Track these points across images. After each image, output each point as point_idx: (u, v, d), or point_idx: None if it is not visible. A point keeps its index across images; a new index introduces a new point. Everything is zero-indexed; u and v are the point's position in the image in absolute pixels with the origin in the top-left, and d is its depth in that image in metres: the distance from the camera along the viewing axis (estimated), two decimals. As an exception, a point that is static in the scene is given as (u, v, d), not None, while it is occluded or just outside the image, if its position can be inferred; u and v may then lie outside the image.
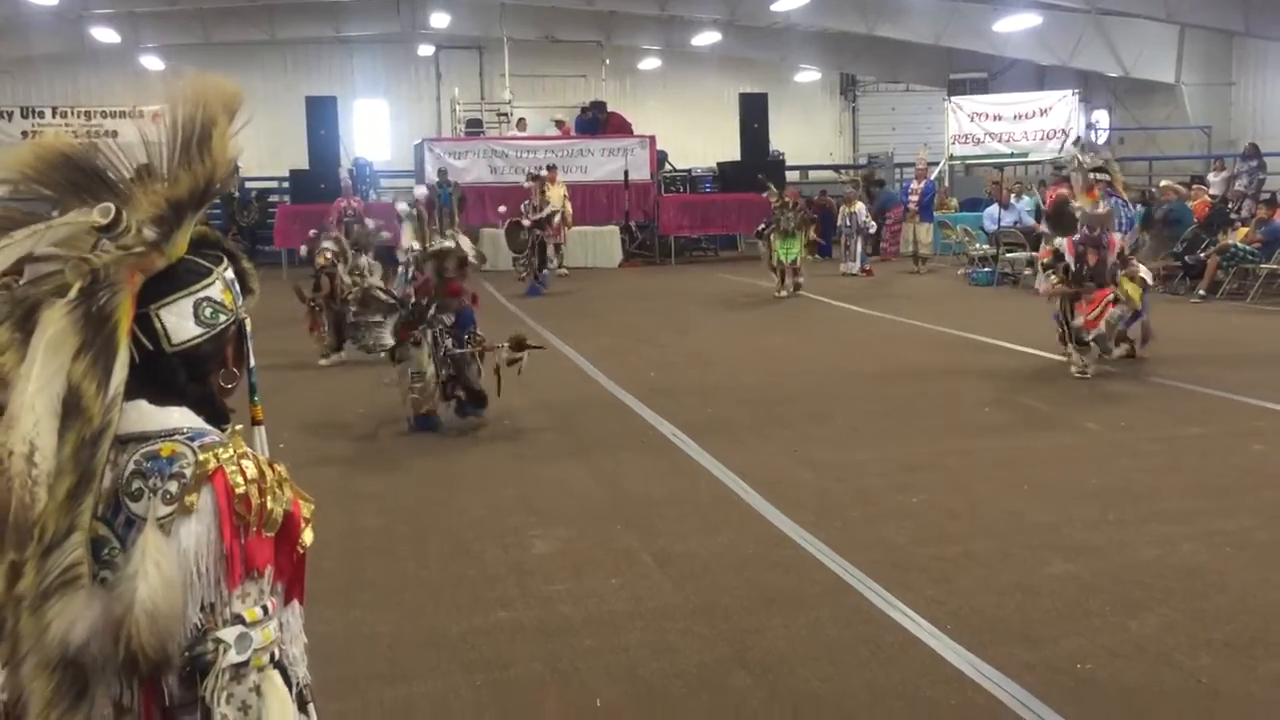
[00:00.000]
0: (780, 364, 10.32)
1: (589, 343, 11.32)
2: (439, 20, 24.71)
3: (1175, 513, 5.76)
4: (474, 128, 24.01)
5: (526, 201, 17.40)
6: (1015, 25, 22.94)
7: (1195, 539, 5.34)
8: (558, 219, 17.46)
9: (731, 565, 5.12)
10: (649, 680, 4.00)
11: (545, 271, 17.00)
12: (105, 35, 23.68)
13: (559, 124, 23.38)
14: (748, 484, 6.33)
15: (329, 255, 10.91)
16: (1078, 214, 9.39)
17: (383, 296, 7.80)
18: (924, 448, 7.14)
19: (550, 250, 17.17)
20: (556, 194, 19.12)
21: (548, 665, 4.12)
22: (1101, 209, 9.20)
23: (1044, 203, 11.78)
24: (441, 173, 19.82)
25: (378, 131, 27.50)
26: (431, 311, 7.72)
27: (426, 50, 27.72)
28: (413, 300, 7.74)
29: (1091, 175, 10.34)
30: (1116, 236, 9.12)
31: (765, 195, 16.38)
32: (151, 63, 25.39)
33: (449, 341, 7.74)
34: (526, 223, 17.00)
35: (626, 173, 21.17)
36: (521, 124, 23.21)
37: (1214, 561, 5.05)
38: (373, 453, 7.38)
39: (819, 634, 4.36)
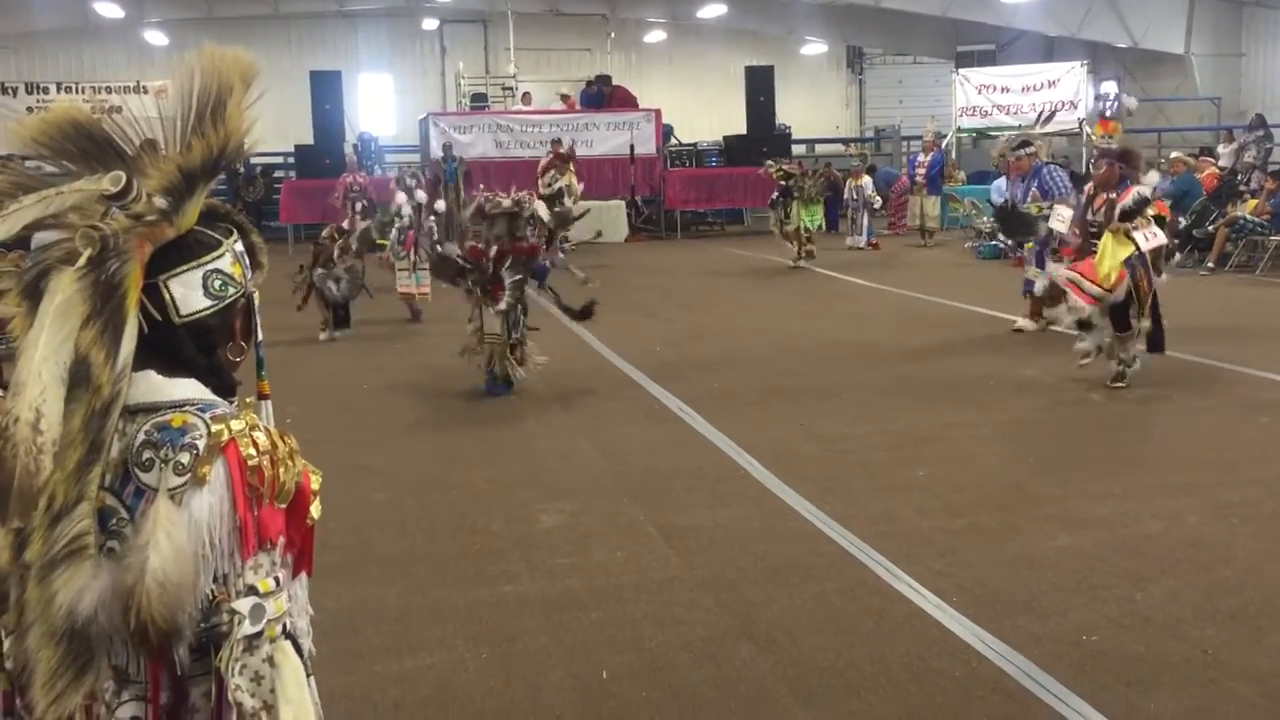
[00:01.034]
0: (786, 338, 10.31)
1: (595, 316, 11.29)
2: (443, -7, 24.63)
3: (1181, 485, 5.76)
4: (479, 102, 23.93)
5: (552, 174, 17.12)
6: (1023, -5, 22.80)
7: (1201, 511, 5.34)
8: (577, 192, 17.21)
9: (737, 538, 5.13)
10: (654, 652, 4.02)
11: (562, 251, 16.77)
12: (108, 10, 23.62)
13: (564, 98, 23.29)
14: (753, 457, 6.33)
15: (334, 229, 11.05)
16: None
17: (456, 259, 8.01)
18: (929, 421, 7.13)
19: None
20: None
21: (554, 638, 4.14)
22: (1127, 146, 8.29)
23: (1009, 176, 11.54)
24: (446, 148, 19.76)
25: (382, 106, 27.42)
26: (503, 270, 7.91)
27: (431, 24, 27.61)
28: (488, 259, 7.90)
29: (1019, 150, 10.14)
30: (1141, 191, 7.78)
31: (765, 170, 16.48)
32: (155, 38, 25.34)
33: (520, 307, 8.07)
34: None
35: (632, 147, 21.10)
36: (526, 98, 23.13)
37: (1220, 534, 5.05)
38: (379, 427, 7.39)
39: (824, 606, 4.37)
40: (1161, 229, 7.71)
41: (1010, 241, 10.87)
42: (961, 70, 22.79)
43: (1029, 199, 9.81)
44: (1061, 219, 8.96)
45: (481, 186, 9.09)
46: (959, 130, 22.05)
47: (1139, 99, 24.23)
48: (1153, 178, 8.17)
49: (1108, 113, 18.13)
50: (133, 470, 1.55)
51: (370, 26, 27.38)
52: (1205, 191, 15.74)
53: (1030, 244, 10.01)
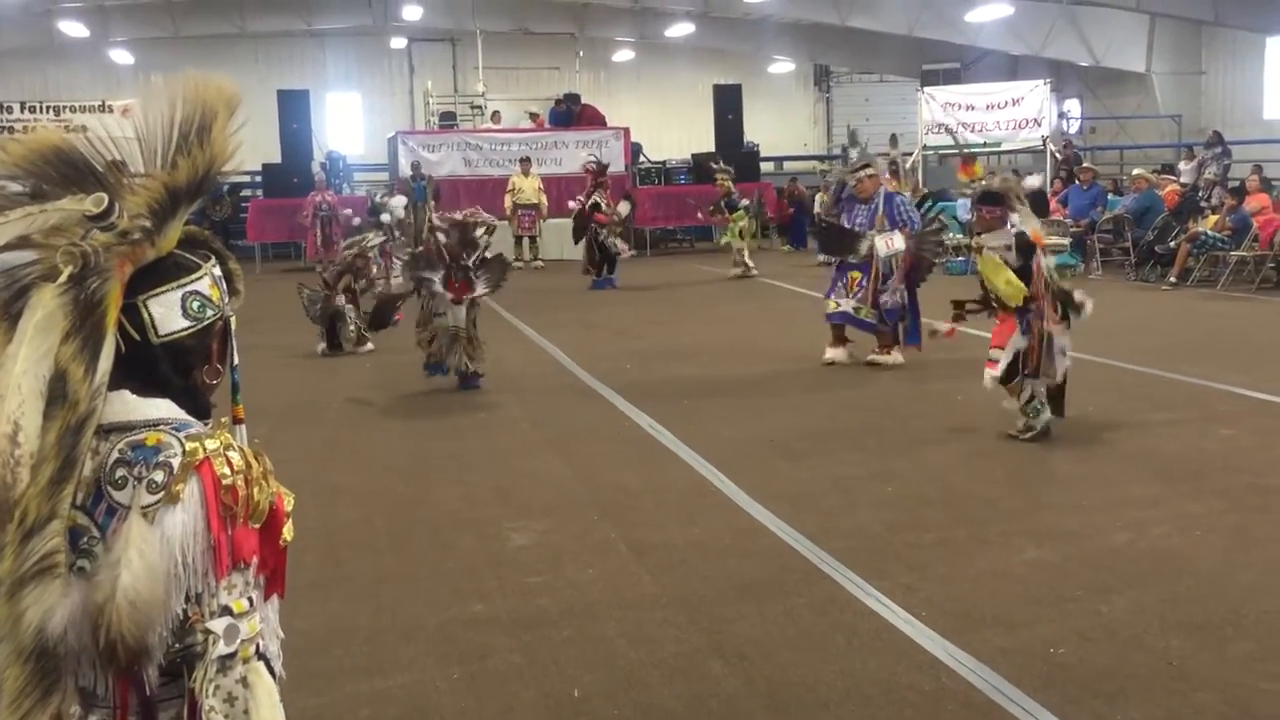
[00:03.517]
0: (756, 354, 10.35)
1: (565, 334, 11.32)
2: (411, 12, 24.60)
3: (1146, 498, 5.82)
4: (447, 120, 23.93)
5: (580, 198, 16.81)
6: (987, 15, 23.04)
7: (1165, 523, 5.40)
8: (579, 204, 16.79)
9: (708, 555, 5.15)
10: (626, 670, 4.03)
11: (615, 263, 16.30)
12: (73, 29, 23.48)
13: (533, 116, 23.33)
14: (724, 474, 6.35)
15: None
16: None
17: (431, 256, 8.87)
18: (899, 436, 7.18)
19: (614, 241, 16.20)
20: (531, 186, 19.08)
21: (525, 656, 4.14)
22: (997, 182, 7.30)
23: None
24: (415, 166, 19.75)
25: (351, 125, 27.36)
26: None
27: (399, 43, 27.59)
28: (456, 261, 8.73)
29: (860, 173, 9.76)
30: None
31: (719, 180, 16.87)
32: (120, 56, 25.20)
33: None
34: (572, 204, 16.91)
35: (605, 165, 21.11)
36: (496, 117, 23.15)
37: (1184, 545, 5.11)
38: (348, 446, 7.37)
39: (795, 622, 4.39)
40: (1030, 252, 6.77)
41: (826, 257, 10.67)
42: (927, 88, 22.98)
43: (874, 225, 9.43)
44: (889, 242, 9.23)
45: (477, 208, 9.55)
46: (925, 148, 22.22)
47: (1102, 116, 24.56)
48: (1033, 181, 7.56)
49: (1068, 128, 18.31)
50: (105, 488, 1.55)
51: (338, 45, 27.33)
52: (1167, 208, 15.94)
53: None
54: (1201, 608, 4.42)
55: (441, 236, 8.82)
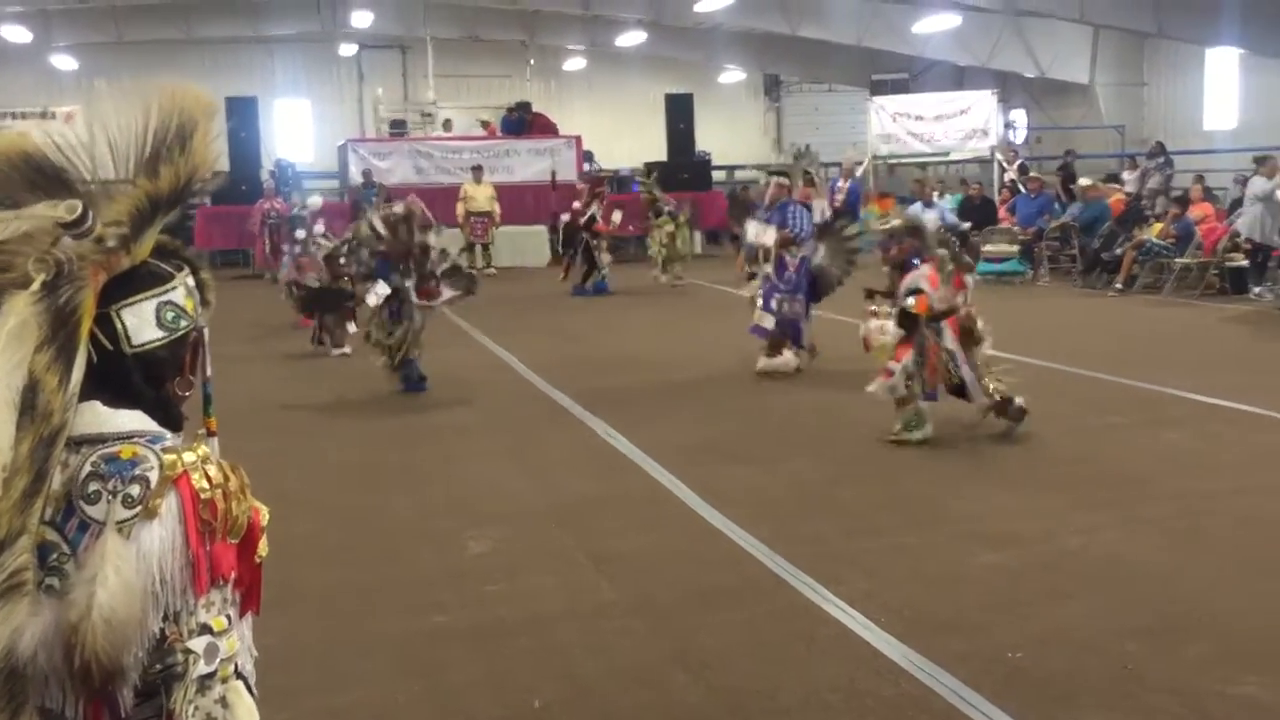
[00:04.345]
0: (712, 362, 10.35)
1: (520, 342, 11.28)
2: (361, 19, 24.43)
3: (1097, 502, 5.89)
4: (398, 128, 23.79)
5: (577, 203, 16.62)
6: (935, 26, 23.28)
7: (1117, 527, 5.47)
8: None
9: (667, 563, 5.14)
10: (586, 680, 4.01)
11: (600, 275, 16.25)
12: (15, 34, 23.07)
13: (484, 124, 23.26)
14: (682, 481, 6.35)
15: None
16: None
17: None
18: (853, 442, 7.22)
19: (599, 255, 16.23)
20: (484, 194, 19.02)
21: (484, 667, 4.11)
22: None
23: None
24: (366, 174, 19.61)
25: (300, 132, 27.10)
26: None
27: (348, 50, 27.38)
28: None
29: (775, 178, 10.10)
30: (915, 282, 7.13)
31: (646, 193, 17.20)
32: (63, 62, 24.80)
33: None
34: (565, 217, 16.88)
35: (554, 173, 21.11)
36: (448, 125, 23.06)
37: (1136, 549, 5.18)
38: (300, 455, 7.28)
39: (754, 630, 4.40)
40: (912, 323, 7.06)
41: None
42: (876, 98, 23.18)
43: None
44: (759, 234, 9.56)
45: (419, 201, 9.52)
46: (875, 157, 22.42)
47: (1047, 127, 24.92)
48: (949, 201, 7.84)
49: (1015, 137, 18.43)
50: (77, 503, 1.51)
51: (287, 52, 27.08)
52: (1113, 216, 16.21)
53: (756, 288, 9.84)
54: (1155, 611, 4.48)
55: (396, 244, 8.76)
